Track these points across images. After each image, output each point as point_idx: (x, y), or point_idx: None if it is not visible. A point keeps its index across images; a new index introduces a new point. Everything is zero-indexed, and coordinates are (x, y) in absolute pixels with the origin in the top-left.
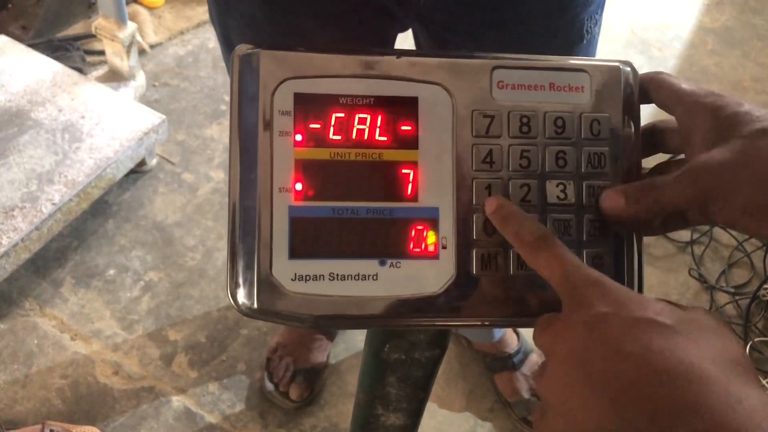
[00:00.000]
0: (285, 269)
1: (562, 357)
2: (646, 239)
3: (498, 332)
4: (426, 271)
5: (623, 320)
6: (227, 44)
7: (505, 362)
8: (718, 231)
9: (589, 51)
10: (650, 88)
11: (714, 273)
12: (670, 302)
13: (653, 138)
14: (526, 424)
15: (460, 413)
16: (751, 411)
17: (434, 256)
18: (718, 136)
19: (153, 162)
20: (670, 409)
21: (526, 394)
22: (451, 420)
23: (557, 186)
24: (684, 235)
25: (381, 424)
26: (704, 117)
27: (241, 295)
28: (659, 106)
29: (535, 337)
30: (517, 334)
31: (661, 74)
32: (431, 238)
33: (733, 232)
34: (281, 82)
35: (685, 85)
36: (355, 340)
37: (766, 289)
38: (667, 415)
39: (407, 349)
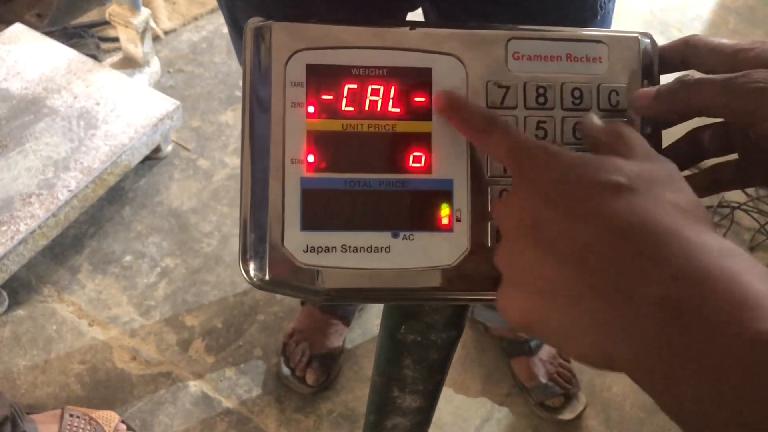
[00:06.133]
0: (297, 241)
1: (514, 225)
2: None
3: None
4: (440, 244)
5: (575, 183)
6: (236, 28)
7: (521, 347)
8: (740, 214)
9: (604, 26)
10: (687, 52)
11: None
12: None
13: (695, 146)
14: (543, 408)
15: (476, 398)
16: (714, 255)
17: (448, 228)
18: None
19: (168, 148)
20: (632, 263)
21: (543, 379)
22: (468, 405)
23: None
24: None
25: (397, 406)
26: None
27: (253, 267)
28: (697, 65)
29: (493, 213)
30: None
31: (695, 36)
32: (445, 210)
33: (756, 215)
34: (293, 54)
35: (725, 40)
36: (371, 325)
37: None
38: (629, 271)
39: (423, 330)
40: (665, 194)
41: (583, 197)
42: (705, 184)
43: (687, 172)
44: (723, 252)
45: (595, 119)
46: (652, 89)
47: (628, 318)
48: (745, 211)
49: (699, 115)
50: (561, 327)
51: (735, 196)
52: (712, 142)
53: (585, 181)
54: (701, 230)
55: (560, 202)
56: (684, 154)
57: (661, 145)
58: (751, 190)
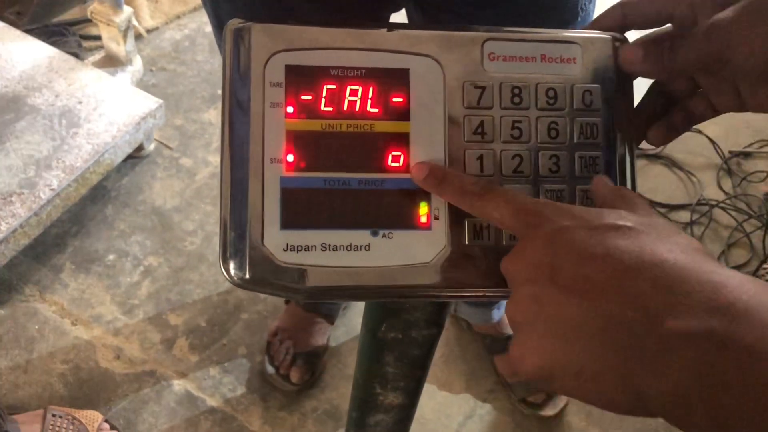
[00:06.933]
0: (277, 240)
1: (527, 275)
2: None
3: (497, 314)
4: (418, 242)
5: (584, 229)
6: (220, 28)
7: (504, 343)
8: (717, 212)
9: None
10: (624, 11)
11: (713, 253)
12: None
13: (664, 94)
14: (525, 404)
15: (459, 395)
16: (736, 285)
17: (426, 226)
18: (722, 3)
19: (151, 147)
20: (655, 295)
21: None
22: (451, 401)
23: (550, 157)
24: (684, 216)
25: (379, 403)
26: None
27: (233, 266)
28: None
29: (501, 269)
30: None
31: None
32: (423, 209)
33: (733, 213)
34: (273, 55)
35: None
36: (355, 323)
37: (765, 268)
38: (653, 303)
39: (404, 328)
40: (673, 238)
41: (593, 238)
42: (681, 121)
43: None
44: (748, 283)
45: (606, 181)
46: (640, 49)
47: (660, 351)
48: (722, 209)
49: (685, 71)
50: (585, 369)
51: (713, 194)
52: (679, 85)
53: (593, 224)
54: (715, 264)
55: (573, 244)
56: (656, 104)
57: (632, 88)
58: (729, 189)
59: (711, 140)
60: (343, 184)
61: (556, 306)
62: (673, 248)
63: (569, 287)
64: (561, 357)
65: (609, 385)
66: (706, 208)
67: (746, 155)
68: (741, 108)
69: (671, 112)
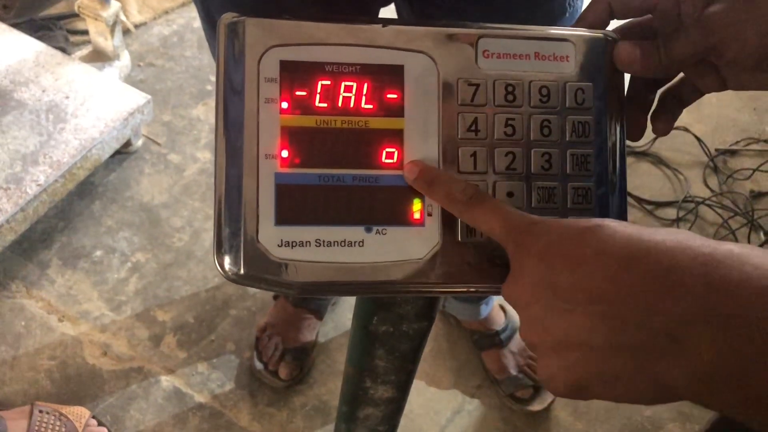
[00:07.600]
0: (271, 235)
1: (529, 297)
2: (631, 216)
3: (485, 309)
4: (411, 238)
5: (570, 236)
6: (209, 22)
7: (492, 339)
8: (703, 209)
9: (572, 23)
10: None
11: None
12: None
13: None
14: (513, 400)
15: (448, 390)
16: (725, 255)
17: (420, 223)
18: None
19: (139, 143)
20: (652, 283)
21: (513, 371)
22: (440, 397)
23: (542, 155)
24: (670, 213)
25: (369, 397)
26: None
27: (228, 262)
28: (632, 12)
29: (503, 296)
30: (504, 311)
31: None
32: (417, 205)
33: (719, 210)
34: (267, 50)
35: None
36: (344, 318)
37: None
38: (651, 292)
39: (395, 321)
40: (658, 230)
41: (580, 241)
42: (676, 107)
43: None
44: (735, 249)
45: None
46: (637, 49)
47: (669, 341)
48: (708, 206)
49: (680, 66)
50: (609, 373)
51: (699, 191)
52: (666, 76)
53: (578, 230)
54: (700, 238)
55: (563, 254)
56: (643, 88)
57: (623, 87)
58: (715, 186)
59: (697, 138)
60: (338, 180)
61: (563, 320)
62: (655, 233)
63: (570, 298)
64: (582, 369)
65: (632, 382)
66: (693, 205)
67: (732, 153)
68: (723, 89)
69: (664, 101)
